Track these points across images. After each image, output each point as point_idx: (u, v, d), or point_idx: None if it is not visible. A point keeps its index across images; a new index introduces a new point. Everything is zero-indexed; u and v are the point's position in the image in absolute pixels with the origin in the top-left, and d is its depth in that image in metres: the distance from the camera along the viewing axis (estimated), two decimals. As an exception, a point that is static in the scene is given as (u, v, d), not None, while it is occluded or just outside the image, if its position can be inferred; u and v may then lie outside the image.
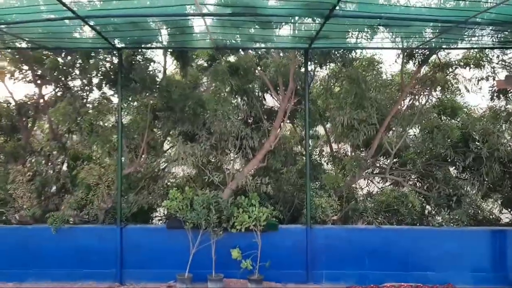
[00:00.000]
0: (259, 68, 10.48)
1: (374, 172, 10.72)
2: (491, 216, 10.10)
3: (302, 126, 10.87)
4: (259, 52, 10.52)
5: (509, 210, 10.21)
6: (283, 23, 7.56)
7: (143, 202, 9.28)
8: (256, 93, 10.95)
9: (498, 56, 9.73)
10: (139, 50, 9.45)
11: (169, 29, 8.03)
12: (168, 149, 10.76)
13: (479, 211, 9.90)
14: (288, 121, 10.83)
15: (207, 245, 8.30)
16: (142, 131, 9.41)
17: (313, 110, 10.11)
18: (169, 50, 9.73)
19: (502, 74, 9.87)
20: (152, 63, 9.64)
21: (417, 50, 9.33)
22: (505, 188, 9.90)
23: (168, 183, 10.24)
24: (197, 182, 10.26)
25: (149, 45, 9.10)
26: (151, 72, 9.50)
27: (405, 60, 9.66)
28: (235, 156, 9.86)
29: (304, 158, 10.54)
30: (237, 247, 8.30)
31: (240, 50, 9.82)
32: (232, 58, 10.26)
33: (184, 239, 8.36)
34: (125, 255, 8.64)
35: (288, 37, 8.42)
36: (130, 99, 9.47)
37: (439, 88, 10.38)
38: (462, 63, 9.61)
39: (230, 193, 9.25)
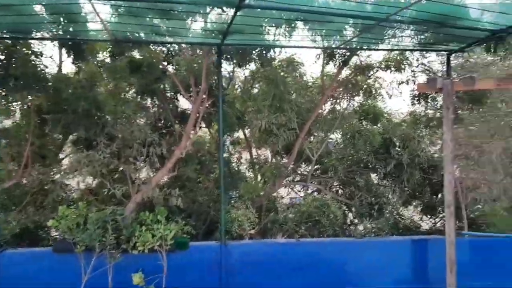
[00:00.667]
0: (168, 65, 9.43)
1: (295, 180, 10.11)
2: (411, 224, 9.89)
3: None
4: (170, 48, 9.48)
5: (429, 217, 10.06)
6: (189, 13, 6.62)
7: (29, 221, 7.85)
8: (168, 94, 9.92)
9: (417, 59, 9.52)
10: (21, 41, 7.98)
11: (56, 16, 6.76)
12: (63, 158, 9.35)
13: (400, 219, 9.63)
14: (203, 125, 9.92)
15: (103, 271, 7.11)
16: (26, 136, 7.97)
17: (231, 113, 9.26)
18: (60, 42, 8.37)
19: (421, 78, 9.72)
20: (39, 57, 8.19)
21: (337, 51, 8.83)
22: (425, 194, 9.74)
23: (63, 198, 8.85)
24: (99, 196, 8.99)
25: (33, 36, 7.67)
26: (37, 68, 8.06)
27: (325, 61, 9.13)
28: (142, 165, 8.74)
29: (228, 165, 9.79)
30: (139, 271, 7.18)
31: (145, 44, 8.69)
32: (138, 54, 9.11)
33: (75, 264, 7.10)
34: (3, 286, 7.18)
35: (198, 31, 7.49)
36: (10, 99, 7.97)
37: (361, 91, 10.02)
38: (383, 66, 9.28)
39: (134, 207, 8.13)
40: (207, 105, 9.05)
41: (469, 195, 8.62)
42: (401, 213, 9.87)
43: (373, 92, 10.26)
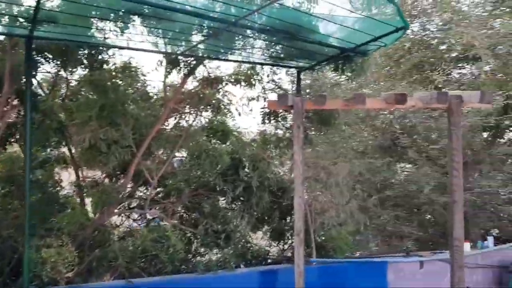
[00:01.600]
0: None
1: (132, 207, 8.75)
2: (261, 251, 9.27)
3: (37, 146, 8.16)
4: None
5: (277, 243, 9.60)
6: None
7: None
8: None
9: (268, 75, 9.10)
10: None
11: None
12: None
13: (250, 247, 8.95)
14: (12, 139, 7.98)
15: None
16: None
17: (48, 125, 7.53)
18: None
19: (272, 95, 9.32)
20: None
21: (183, 58, 7.85)
22: (274, 219, 9.24)
23: None
24: None
25: None
26: None
27: (168, 69, 8.06)
28: None
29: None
30: None
31: None
32: None
33: None
34: None
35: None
36: None
37: (209, 107, 9.20)
38: (232, 80, 8.60)
39: None
40: (18, 113, 7.25)
41: (318, 219, 8.35)
42: (250, 240, 9.22)
43: (222, 108, 9.58)
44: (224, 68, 8.66)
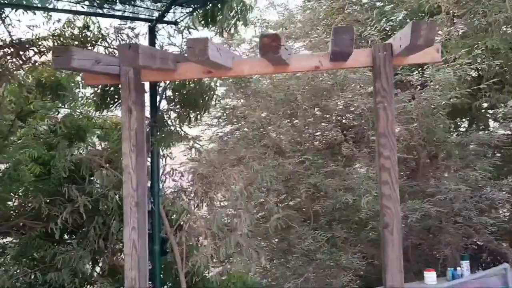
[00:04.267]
0: None
1: None
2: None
3: None
4: None
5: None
6: None
7: None
8: None
9: (120, 40, 6.28)
10: None
11: None
12: None
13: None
14: None
15: None
16: None
17: None
18: None
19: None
20: None
21: None
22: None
23: None
24: None
25: None
26: None
27: None
28: None
29: None
30: None
31: None
32: None
33: None
34: None
35: None
36: None
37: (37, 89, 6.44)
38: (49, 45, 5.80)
39: None
40: None
41: (190, 258, 5.61)
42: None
43: (65, 94, 6.82)
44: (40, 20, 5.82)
